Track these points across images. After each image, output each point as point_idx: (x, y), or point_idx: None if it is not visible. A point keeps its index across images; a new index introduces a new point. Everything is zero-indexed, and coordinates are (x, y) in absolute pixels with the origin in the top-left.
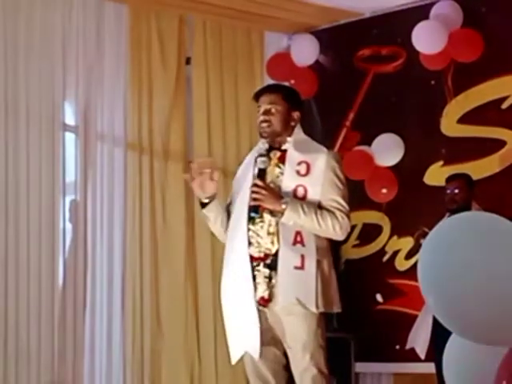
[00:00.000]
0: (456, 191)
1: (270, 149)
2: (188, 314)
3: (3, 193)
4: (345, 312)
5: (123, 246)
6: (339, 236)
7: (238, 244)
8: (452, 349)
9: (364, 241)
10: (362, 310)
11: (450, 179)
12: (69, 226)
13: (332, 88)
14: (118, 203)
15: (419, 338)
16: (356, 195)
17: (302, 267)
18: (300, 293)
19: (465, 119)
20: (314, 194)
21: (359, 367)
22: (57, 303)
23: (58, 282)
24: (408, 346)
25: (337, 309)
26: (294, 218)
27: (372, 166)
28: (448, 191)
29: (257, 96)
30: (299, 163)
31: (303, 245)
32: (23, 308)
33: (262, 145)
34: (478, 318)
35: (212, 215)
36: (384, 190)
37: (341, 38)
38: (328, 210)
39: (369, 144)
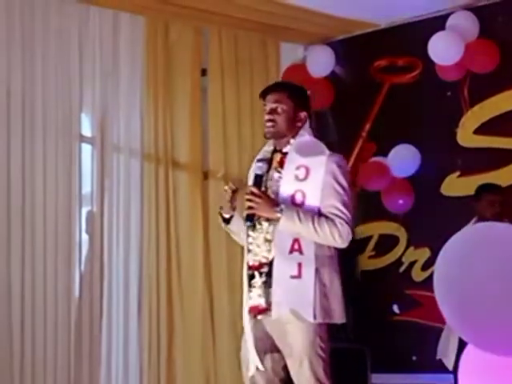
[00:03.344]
0: (497, 204)
1: (275, 151)
2: (204, 323)
3: (20, 204)
4: (361, 323)
5: (139, 256)
6: (339, 244)
7: (245, 253)
8: (467, 359)
9: (380, 252)
10: (379, 320)
11: (491, 189)
12: (85, 236)
13: (348, 99)
14: (134, 214)
15: (448, 350)
16: (372, 206)
17: (298, 276)
18: (296, 303)
19: (481, 130)
20: (313, 200)
21: (375, 378)
22: (73, 313)
23: (75, 292)
24: (438, 357)
25: (339, 320)
26: (289, 226)
27: (388, 176)
28: (486, 200)
29: (263, 94)
30: (298, 167)
31: (301, 253)
32: (40, 318)
33: (267, 147)
34: (493, 328)
35: (234, 228)
36: (400, 201)
37: (357, 49)
38: (327, 217)
39: (385, 155)
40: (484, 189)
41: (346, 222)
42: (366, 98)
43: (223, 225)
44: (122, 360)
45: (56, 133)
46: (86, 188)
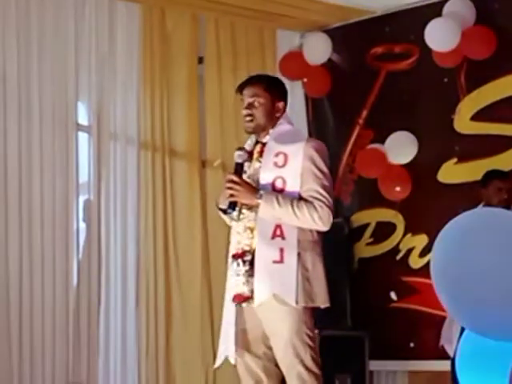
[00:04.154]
0: (504, 190)
1: (257, 143)
2: (203, 312)
3: (17, 193)
4: (359, 310)
5: (137, 244)
6: (320, 227)
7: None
8: (465, 345)
9: (378, 239)
10: (376, 307)
11: (499, 175)
12: (83, 225)
13: (345, 86)
14: (131, 202)
15: (451, 336)
16: (369, 193)
17: (281, 261)
18: (278, 288)
19: (478, 116)
20: (293, 186)
21: (373, 365)
22: (71, 302)
23: (73, 281)
24: (440, 344)
25: (322, 304)
26: (269, 211)
27: (385, 163)
28: (494, 187)
29: (240, 89)
30: (277, 154)
31: (283, 238)
32: (38, 307)
33: (250, 140)
34: (491, 314)
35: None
36: (398, 188)
37: (353, 36)
38: (306, 201)
39: (382, 142)
40: (492, 175)
41: (326, 205)
42: (363, 85)
43: (225, 216)
44: (120, 348)
45: (52, 122)
46: (83, 177)
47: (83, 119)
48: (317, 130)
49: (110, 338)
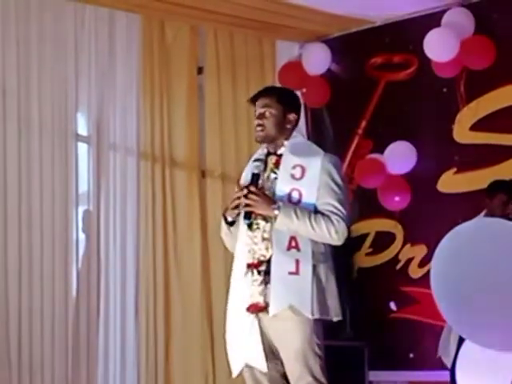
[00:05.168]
0: (509, 204)
1: (269, 154)
2: (202, 321)
3: (16, 203)
4: (358, 320)
5: (136, 255)
6: (335, 241)
7: (238, 252)
8: (465, 355)
9: (377, 249)
10: (376, 318)
11: (505, 188)
12: (82, 236)
13: (344, 96)
14: (130, 213)
15: (449, 348)
16: (369, 203)
17: (296, 272)
18: (294, 299)
19: (477, 126)
20: (309, 198)
21: (373, 376)
22: (70, 313)
23: (72, 291)
24: (438, 355)
25: (335, 317)
26: (286, 224)
27: (385, 173)
28: (499, 200)
29: (253, 100)
30: (294, 167)
31: (298, 249)
32: (37, 317)
33: (261, 150)
34: (490, 323)
35: (236, 231)
36: (397, 198)
37: (352, 47)
38: (323, 214)
39: (381, 152)
40: (498, 188)
41: (342, 219)
42: (362, 95)
43: (225, 226)
44: (120, 358)
45: (52, 132)
46: (83, 187)
47: (83, 130)
48: (316, 140)
49: (110, 348)
